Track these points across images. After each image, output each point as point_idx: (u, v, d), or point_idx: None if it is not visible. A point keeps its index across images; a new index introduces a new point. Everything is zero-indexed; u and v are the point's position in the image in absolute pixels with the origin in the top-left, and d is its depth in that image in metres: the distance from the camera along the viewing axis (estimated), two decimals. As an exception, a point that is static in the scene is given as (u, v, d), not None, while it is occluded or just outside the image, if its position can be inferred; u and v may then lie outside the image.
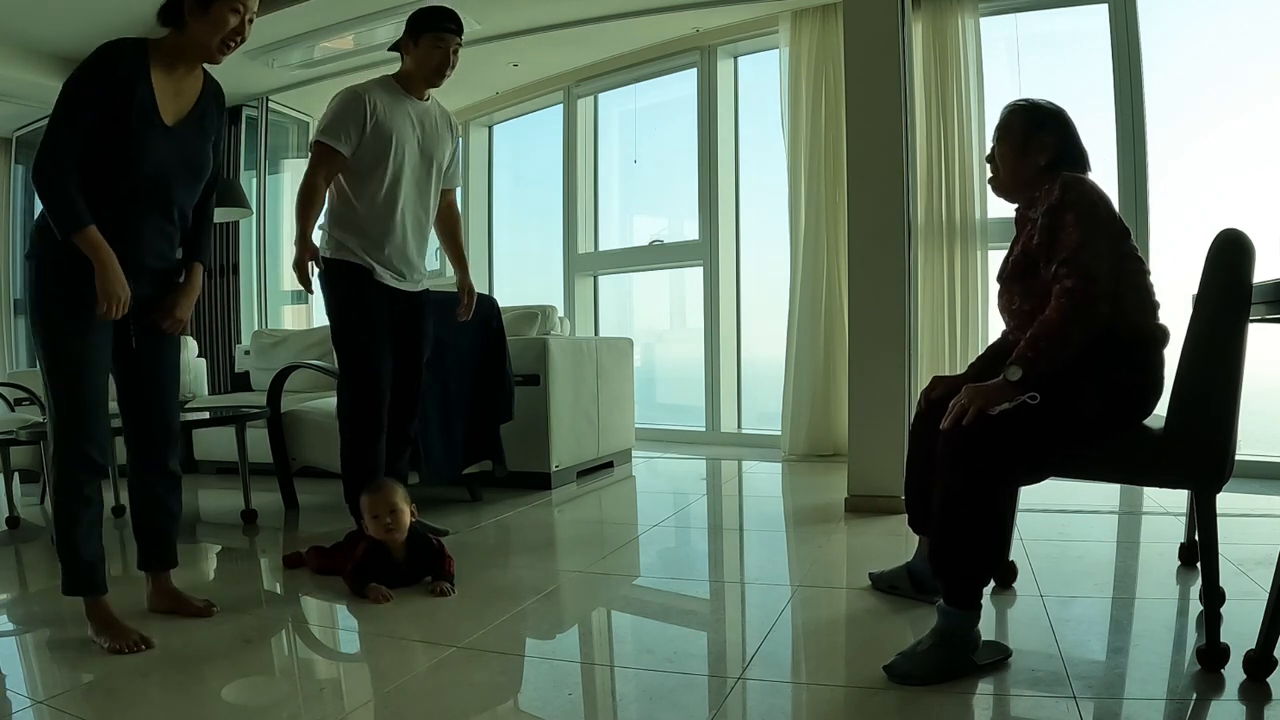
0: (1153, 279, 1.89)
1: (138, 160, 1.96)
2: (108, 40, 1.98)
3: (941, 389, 2.13)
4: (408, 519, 2.44)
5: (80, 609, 2.03)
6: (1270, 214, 3.62)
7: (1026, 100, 2.03)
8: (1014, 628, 2.06)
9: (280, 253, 6.82)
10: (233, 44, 2.03)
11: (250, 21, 2.05)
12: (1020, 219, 2.03)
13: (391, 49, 2.96)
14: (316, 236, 2.86)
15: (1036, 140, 1.96)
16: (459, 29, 2.88)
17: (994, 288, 2.11)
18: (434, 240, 3.14)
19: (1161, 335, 1.84)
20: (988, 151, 2.07)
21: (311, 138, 2.83)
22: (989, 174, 2.07)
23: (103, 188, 1.93)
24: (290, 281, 6.90)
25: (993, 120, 2.09)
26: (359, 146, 2.78)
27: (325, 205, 2.90)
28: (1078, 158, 1.97)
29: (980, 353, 2.25)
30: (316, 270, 2.86)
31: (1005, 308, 2.03)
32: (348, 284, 2.86)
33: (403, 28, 2.92)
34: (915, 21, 4.45)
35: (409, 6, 4.77)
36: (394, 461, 2.97)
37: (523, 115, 6.77)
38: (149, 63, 1.98)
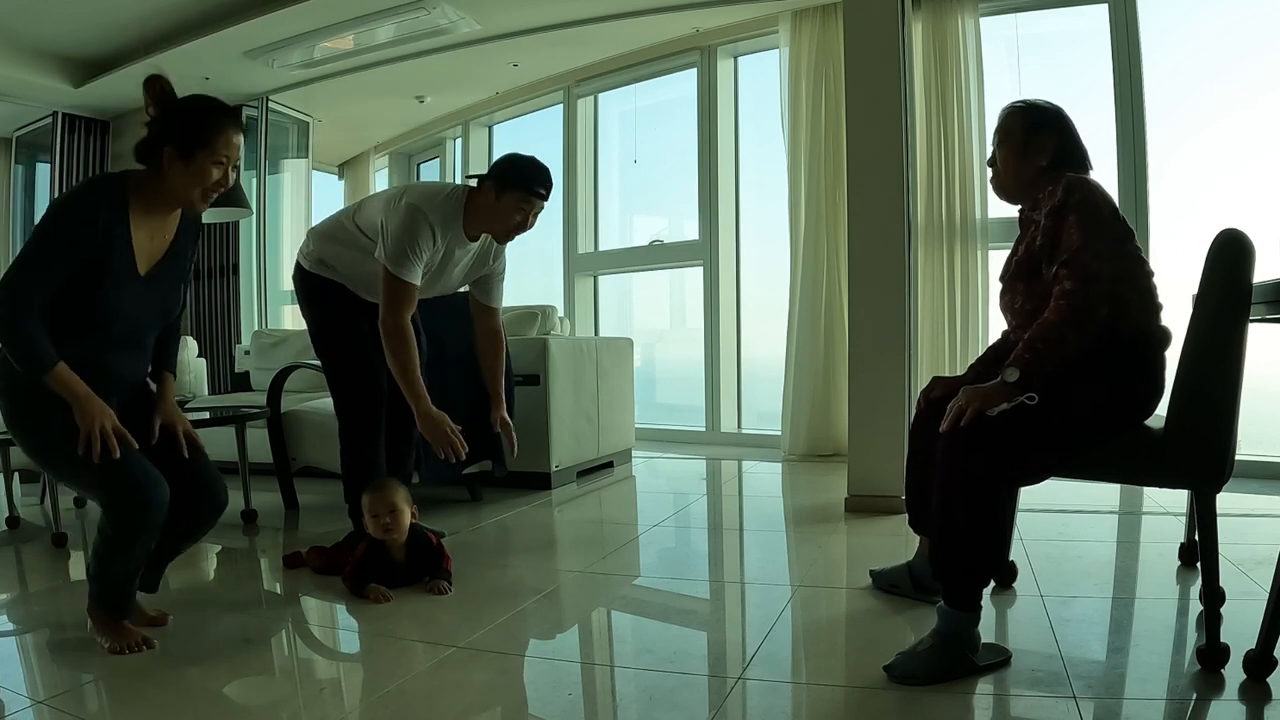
0: (1156, 281, 1.89)
1: (110, 313, 1.90)
2: (90, 178, 1.92)
3: (941, 389, 2.13)
4: (407, 520, 2.44)
5: (80, 609, 2.03)
6: (1270, 214, 3.62)
7: (1024, 101, 2.03)
8: (1014, 628, 2.06)
9: (280, 253, 6.82)
10: (215, 194, 1.95)
11: (235, 169, 1.96)
12: (1024, 220, 2.03)
13: (470, 176, 2.77)
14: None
15: (1036, 141, 1.96)
16: (548, 194, 2.73)
17: (994, 288, 2.11)
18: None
19: (1163, 337, 1.84)
20: (989, 155, 2.07)
21: (385, 264, 2.59)
22: (990, 176, 2.07)
23: (71, 331, 1.86)
24: (290, 281, 6.90)
25: (993, 120, 2.09)
26: None
27: (330, 230, 2.85)
28: (1078, 157, 1.97)
29: (981, 353, 2.25)
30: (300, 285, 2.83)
31: (1008, 307, 2.03)
32: (325, 295, 2.85)
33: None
34: (915, 21, 4.45)
35: (409, 6, 4.80)
36: (401, 464, 2.96)
37: (523, 115, 6.78)
38: (128, 207, 1.90)
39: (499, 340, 2.97)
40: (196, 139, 1.89)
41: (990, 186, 2.09)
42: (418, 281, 2.62)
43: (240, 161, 1.99)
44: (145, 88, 1.94)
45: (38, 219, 1.95)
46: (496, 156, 2.95)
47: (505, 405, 2.94)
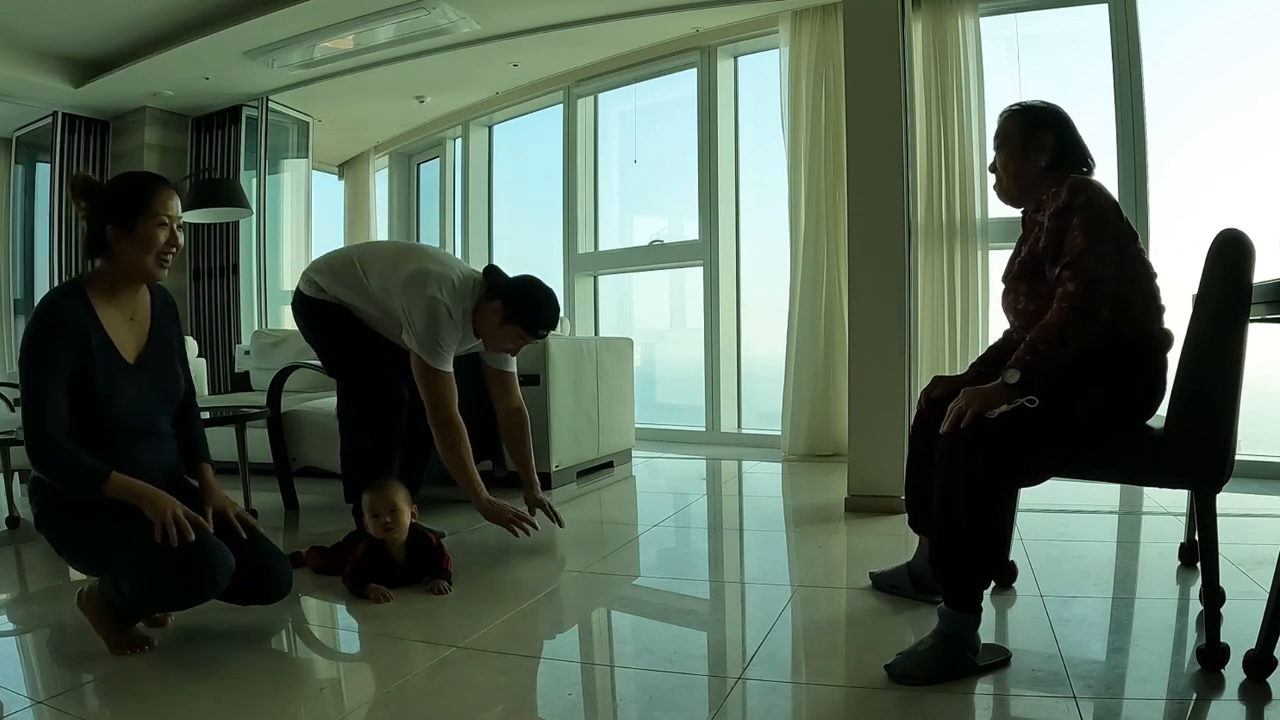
0: (1159, 283, 1.89)
1: (113, 406, 1.93)
2: (49, 293, 1.95)
3: (942, 389, 2.13)
4: (408, 520, 2.44)
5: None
6: (1270, 214, 3.62)
7: (1020, 104, 2.03)
8: (1014, 628, 2.06)
9: (280, 253, 6.82)
10: (169, 256, 1.96)
11: (180, 227, 1.99)
12: (1028, 221, 2.03)
13: (490, 270, 2.76)
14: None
15: (1034, 141, 1.96)
16: (548, 334, 2.77)
17: (994, 287, 2.12)
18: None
19: (1165, 340, 1.84)
20: (990, 161, 2.07)
21: (419, 354, 2.63)
22: (994, 184, 2.07)
23: (85, 433, 1.89)
24: (290, 281, 6.92)
25: (993, 120, 2.09)
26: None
27: (340, 272, 2.85)
28: (1079, 155, 1.97)
29: (981, 353, 2.25)
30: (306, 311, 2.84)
31: (1010, 307, 2.03)
32: (330, 316, 2.85)
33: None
34: (915, 21, 4.45)
35: (409, 6, 4.80)
36: (415, 476, 2.96)
37: (523, 115, 6.78)
38: (92, 303, 1.93)
39: (523, 419, 2.97)
40: (133, 208, 1.91)
41: (995, 193, 2.09)
42: (451, 369, 2.66)
43: (181, 217, 2.01)
44: (69, 189, 1.98)
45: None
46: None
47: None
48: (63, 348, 1.86)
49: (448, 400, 2.64)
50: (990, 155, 2.07)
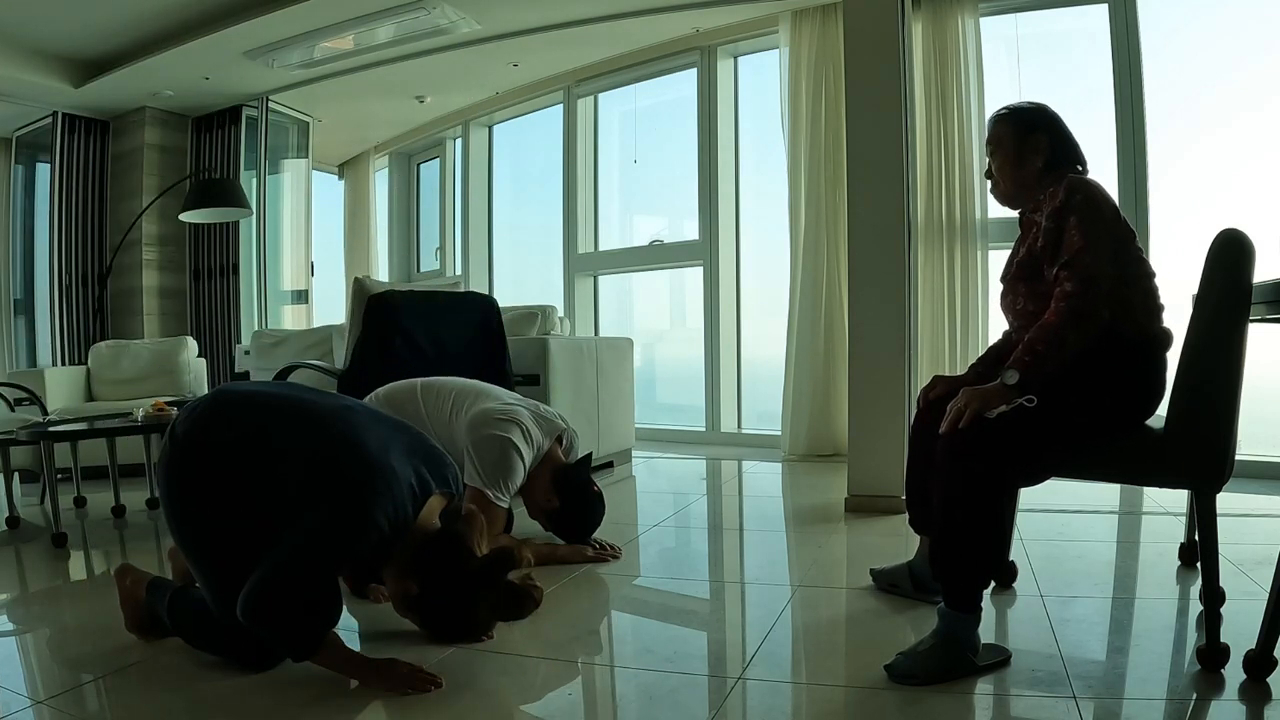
0: (1157, 282, 1.89)
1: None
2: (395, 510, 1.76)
3: (941, 388, 2.13)
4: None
5: (80, 609, 2.03)
6: (1270, 214, 3.62)
7: (1008, 108, 2.04)
8: (1014, 628, 2.06)
9: (280, 253, 6.82)
10: None
11: None
12: (1025, 221, 2.03)
13: (568, 478, 2.78)
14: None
15: (1029, 143, 1.96)
16: None
17: (994, 288, 2.12)
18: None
19: (1165, 339, 1.84)
20: (985, 167, 2.08)
21: (485, 492, 2.62)
22: (990, 187, 2.07)
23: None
24: (290, 281, 6.92)
25: (993, 121, 2.09)
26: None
27: (400, 399, 2.85)
28: (1073, 153, 1.97)
29: (981, 353, 2.25)
30: None
31: (1009, 308, 2.03)
32: None
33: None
34: (915, 21, 4.45)
35: (409, 6, 4.81)
36: None
37: (523, 115, 6.78)
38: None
39: None
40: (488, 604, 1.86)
41: (992, 196, 2.09)
42: (509, 504, 2.69)
43: None
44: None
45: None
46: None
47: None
48: (375, 550, 1.77)
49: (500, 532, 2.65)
50: (986, 165, 2.07)
